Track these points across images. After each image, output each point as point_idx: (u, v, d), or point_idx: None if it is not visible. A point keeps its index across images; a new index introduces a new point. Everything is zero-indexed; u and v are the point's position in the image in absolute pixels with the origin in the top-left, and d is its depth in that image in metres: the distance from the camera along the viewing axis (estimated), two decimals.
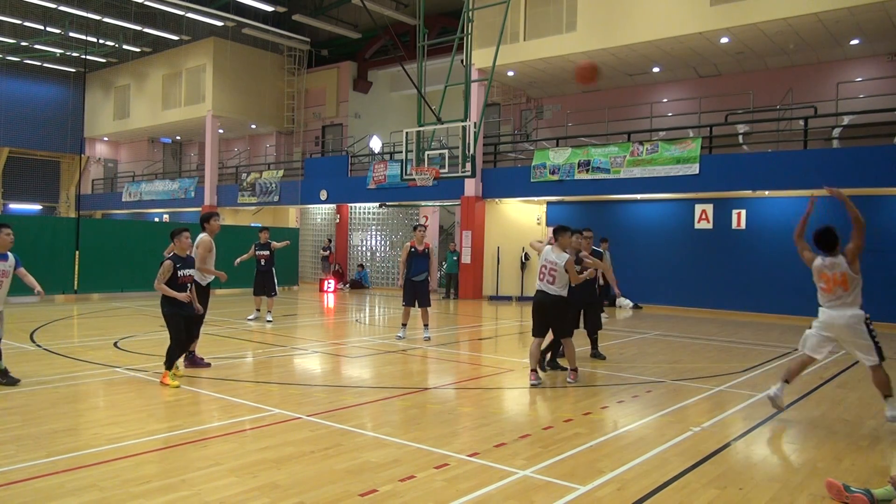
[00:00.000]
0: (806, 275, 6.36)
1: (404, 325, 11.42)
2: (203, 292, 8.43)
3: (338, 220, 25.87)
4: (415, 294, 11.27)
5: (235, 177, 29.14)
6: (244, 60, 28.22)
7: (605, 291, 13.08)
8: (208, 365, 8.44)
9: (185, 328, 7.61)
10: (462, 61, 15.43)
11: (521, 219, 21.03)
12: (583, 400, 7.12)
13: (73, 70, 32.89)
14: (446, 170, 14.95)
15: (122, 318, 13.86)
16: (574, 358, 7.99)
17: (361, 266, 24.78)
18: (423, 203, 22.75)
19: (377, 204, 23.64)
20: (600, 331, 9.77)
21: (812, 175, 15.26)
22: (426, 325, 11.52)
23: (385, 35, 22.29)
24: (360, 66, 28.07)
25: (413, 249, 11.22)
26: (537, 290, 7.90)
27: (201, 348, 8.96)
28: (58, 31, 27.27)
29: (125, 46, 28.90)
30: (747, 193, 16.75)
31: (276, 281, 13.76)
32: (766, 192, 16.43)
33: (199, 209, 28.25)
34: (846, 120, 16.60)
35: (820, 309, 6.20)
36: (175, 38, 28.20)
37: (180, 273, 7.54)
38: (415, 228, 11.57)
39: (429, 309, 11.42)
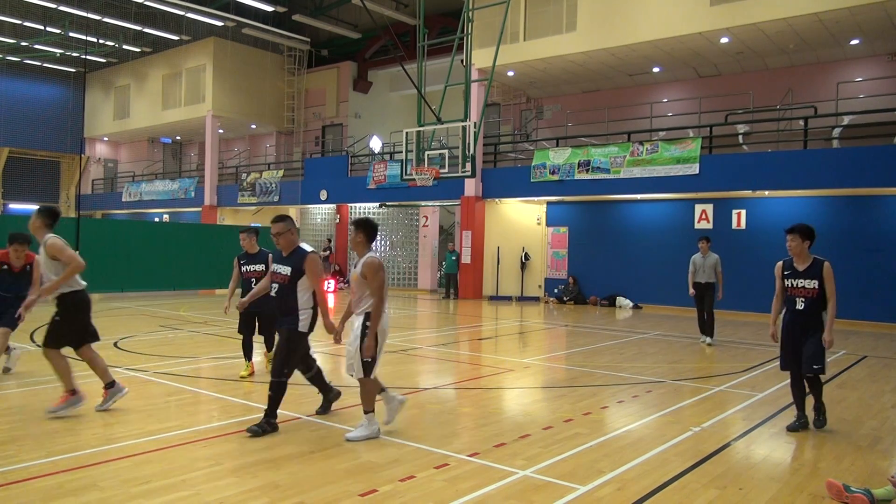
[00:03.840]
0: None
1: None
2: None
3: (338, 220, 25.87)
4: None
5: (235, 177, 29.14)
6: (244, 60, 28.21)
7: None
8: None
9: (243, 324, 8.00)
10: (462, 61, 15.43)
11: (521, 219, 21.02)
12: (583, 400, 7.12)
13: (73, 70, 32.87)
14: (446, 170, 14.96)
15: (122, 318, 13.86)
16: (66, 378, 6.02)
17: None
18: (423, 203, 22.75)
19: (377, 204, 23.63)
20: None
21: (812, 175, 15.30)
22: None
23: (385, 35, 22.29)
24: (360, 66, 28.07)
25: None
26: None
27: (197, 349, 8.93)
28: (58, 31, 27.24)
29: (125, 46, 28.88)
30: (747, 193, 16.75)
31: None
32: (766, 192, 16.44)
33: (200, 209, 28.27)
34: (846, 120, 16.60)
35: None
36: (175, 38, 28.19)
37: (243, 269, 8.05)
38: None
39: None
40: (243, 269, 8.04)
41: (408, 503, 4.16)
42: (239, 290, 8.09)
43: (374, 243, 5.74)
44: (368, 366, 5.48)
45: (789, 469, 5.08)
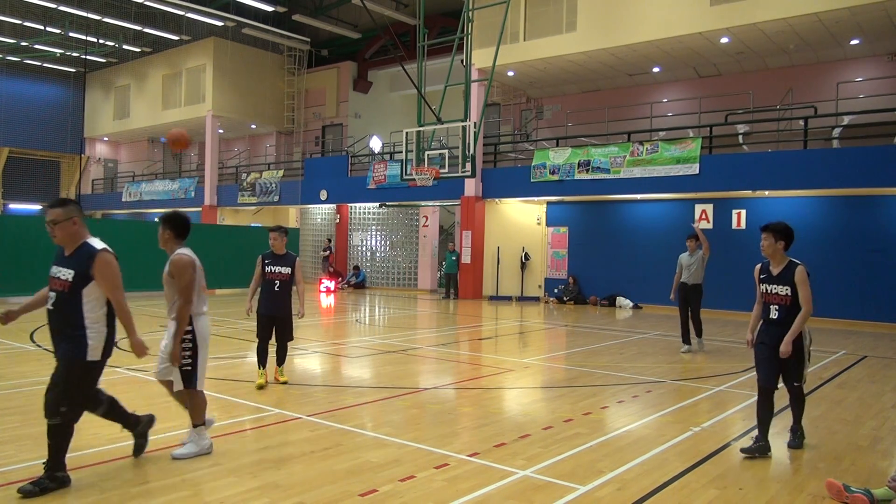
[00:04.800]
0: None
1: None
2: None
3: (338, 220, 25.88)
4: None
5: (235, 177, 29.14)
6: (244, 60, 28.21)
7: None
8: None
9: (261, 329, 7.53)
10: (462, 61, 15.45)
11: (521, 219, 21.03)
12: (583, 400, 7.12)
13: (73, 70, 32.86)
14: (446, 170, 14.98)
15: None
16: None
17: (357, 268, 24.76)
18: (423, 203, 22.75)
19: (377, 204, 23.63)
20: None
21: (812, 175, 15.30)
22: None
23: (385, 35, 22.29)
24: (360, 66, 28.08)
25: None
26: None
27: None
28: (58, 31, 27.25)
29: (125, 46, 28.90)
30: (747, 193, 16.75)
31: None
32: (766, 192, 16.44)
33: (200, 209, 28.27)
34: (846, 120, 16.60)
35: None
36: (175, 38, 28.20)
37: (268, 269, 7.47)
38: None
39: None
40: (267, 269, 7.41)
41: (408, 503, 4.16)
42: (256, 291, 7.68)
43: (186, 239, 5.08)
44: (188, 375, 4.87)
45: (789, 469, 5.08)
